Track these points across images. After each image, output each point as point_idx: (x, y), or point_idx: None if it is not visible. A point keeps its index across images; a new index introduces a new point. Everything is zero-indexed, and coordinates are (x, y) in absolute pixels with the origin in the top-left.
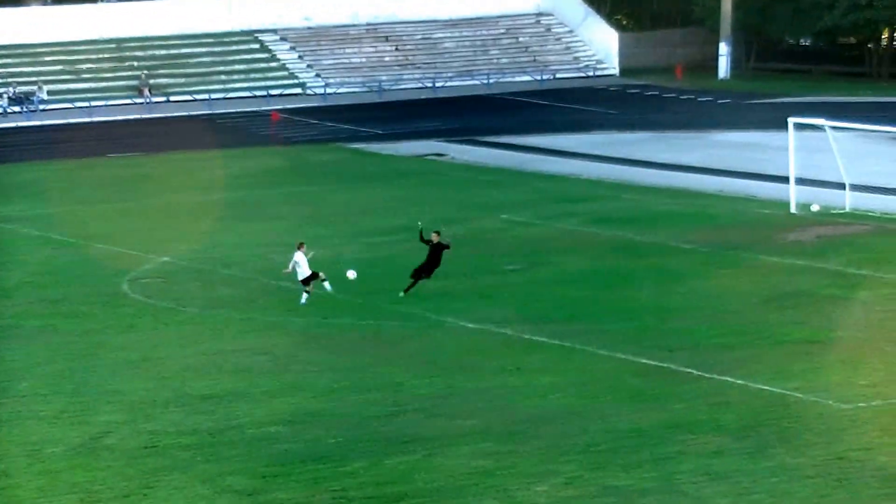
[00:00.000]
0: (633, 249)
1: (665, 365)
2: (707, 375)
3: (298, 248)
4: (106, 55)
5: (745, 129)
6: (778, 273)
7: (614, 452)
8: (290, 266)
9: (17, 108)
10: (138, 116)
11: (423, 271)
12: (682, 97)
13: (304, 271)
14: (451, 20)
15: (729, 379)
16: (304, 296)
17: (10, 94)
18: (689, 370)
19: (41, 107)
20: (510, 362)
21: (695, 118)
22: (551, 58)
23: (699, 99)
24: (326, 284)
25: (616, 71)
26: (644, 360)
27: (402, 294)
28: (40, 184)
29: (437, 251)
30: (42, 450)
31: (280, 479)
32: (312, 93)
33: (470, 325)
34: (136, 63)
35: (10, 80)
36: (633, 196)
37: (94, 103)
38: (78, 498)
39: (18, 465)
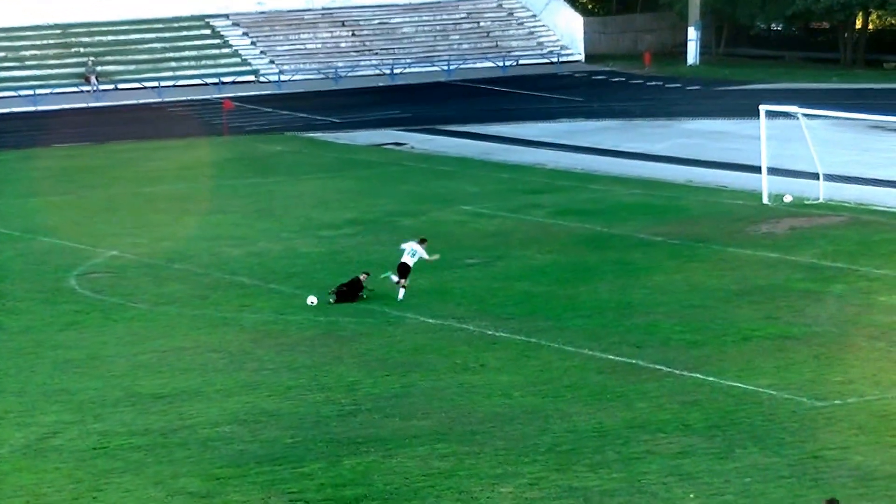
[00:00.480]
0: (598, 242)
1: (630, 361)
2: (675, 372)
3: (421, 243)
4: (51, 41)
5: (715, 116)
6: (749, 266)
7: (579, 453)
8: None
9: None
10: (85, 105)
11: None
12: (649, 84)
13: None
14: (409, 4)
15: (697, 376)
16: (402, 291)
17: None
18: (656, 367)
19: None
20: (470, 360)
21: (663, 106)
22: (514, 43)
23: (667, 86)
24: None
25: (581, 57)
26: (608, 357)
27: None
28: None
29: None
30: None
31: (235, 481)
32: (266, 80)
33: (429, 321)
34: (82, 49)
35: None
36: (599, 187)
37: (38, 91)
38: (24, 501)
39: None
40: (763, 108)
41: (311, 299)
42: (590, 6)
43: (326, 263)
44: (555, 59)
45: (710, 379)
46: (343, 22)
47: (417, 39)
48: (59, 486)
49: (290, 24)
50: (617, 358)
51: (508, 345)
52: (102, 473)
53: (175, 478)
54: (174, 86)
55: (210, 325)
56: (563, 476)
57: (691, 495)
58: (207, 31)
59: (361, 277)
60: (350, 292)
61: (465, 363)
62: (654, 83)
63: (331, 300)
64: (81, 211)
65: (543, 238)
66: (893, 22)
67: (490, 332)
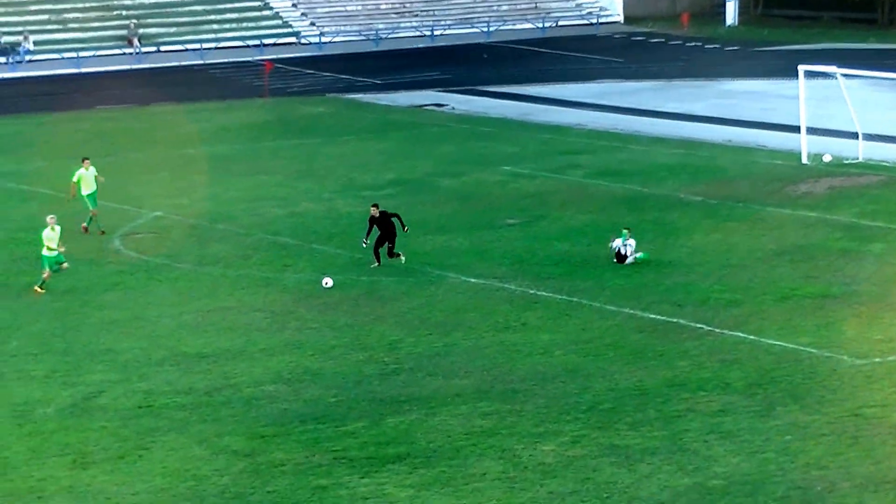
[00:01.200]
0: (637, 202)
1: (670, 320)
2: (714, 331)
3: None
4: (93, 4)
5: (753, 77)
6: (788, 226)
7: (620, 411)
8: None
9: (2, 60)
10: (127, 67)
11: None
12: (688, 45)
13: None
14: None
15: (737, 334)
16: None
17: None
18: (696, 325)
19: (27, 58)
20: (511, 319)
21: (701, 67)
22: (553, 5)
23: (706, 47)
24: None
25: (620, 18)
26: (648, 316)
27: (375, 265)
28: (26, 137)
29: (385, 222)
30: (32, 411)
31: (279, 440)
32: (307, 42)
33: (470, 281)
34: (124, 12)
35: None
36: (638, 147)
37: (81, 54)
38: (70, 459)
39: (7, 426)
40: (801, 68)
41: (327, 281)
42: None
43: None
44: (594, 21)
45: (750, 338)
46: None
47: (457, 1)
48: (104, 445)
49: None
50: (657, 317)
51: (549, 304)
52: (147, 432)
53: (219, 436)
54: (215, 48)
55: (253, 285)
56: (605, 434)
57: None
58: None
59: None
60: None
61: (505, 322)
62: (692, 44)
63: (366, 243)
64: (125, 173)
65: (582, 198)
66: None
67: (531, 292)
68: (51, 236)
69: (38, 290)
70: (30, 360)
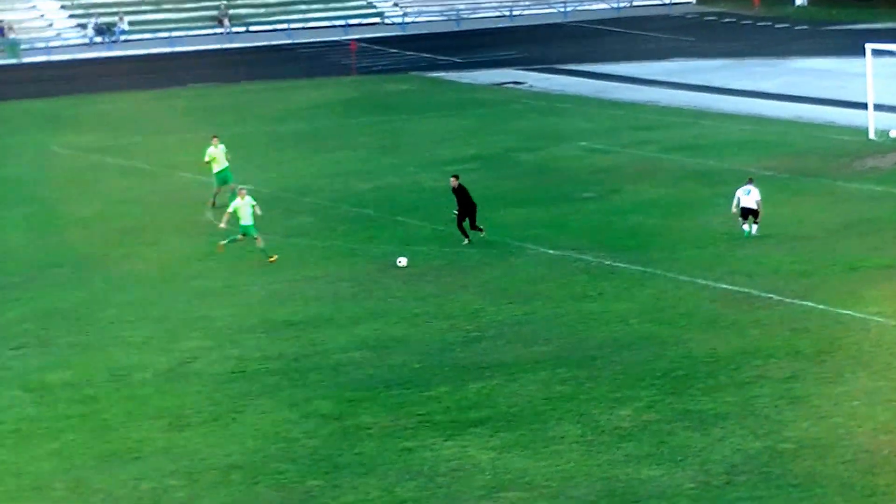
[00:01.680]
0: (709, 176)
1: (742, 290)
2: (785, 300)
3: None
4: None
5: (821, 55)
6: (856, 199)
7: (693, 377)
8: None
9: (99, 40)
10: (218, 46)
11: (464, 216)
12: (758, 24)
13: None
14: None
15: (807, 304)
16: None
17: (94, 26)
18: (767, 295)
19: (122, 38)
20: (588, 288)
21: (771, 45)
22: None
23: (775, 26)
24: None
25: None
26: (721, 286)
27: (466, 242)
28: (123, 114)
29: (463, 195)
30: (130, 375)
31: (366, 404)
32: (391, 22)
33: (549, 252)
34: None
35: (92, 11)
36: (709, 123)
37: (174, 34)
38: (166, 422)
39: (106, 390)
40: (869, 46)
41: (401, 260)
42: None
43: (449, 196)
44: (667, 1)
45: (819, 307)
46: None
47: None
48: (199, 408)
49: None
50: (729, 287)
51: (624, 274)
52: (240, 396)
53: (308, 400)
54: (303, 28)
55: (339, 256)
56: (679, 399)
57: None
58: None
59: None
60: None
61: (583, 292)
62: (762, 24)
63: (455, 211)
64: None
65: (656, 172)
66: None
67: (607, 263)
68: (240, 205)
69: (270, 259)
70: (128, 327)
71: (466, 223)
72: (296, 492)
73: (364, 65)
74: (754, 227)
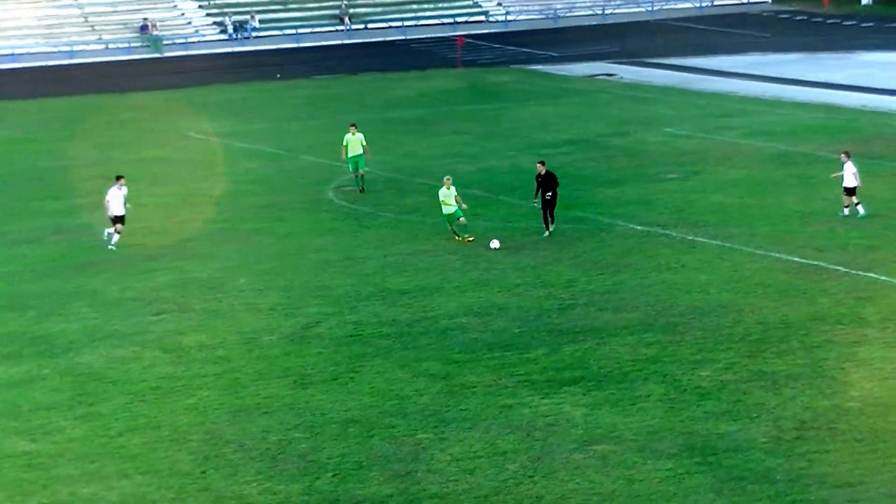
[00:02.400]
0: (783, 159)
1: (812, 263)
2: (851, 272)
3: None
4: None
5: (887, 49)
6: None
7: (767, 342)
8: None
9: (229, 36)
10: (339, 42)
11: (548, 206)
12: (828, 21)
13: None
14: None
15: (872, 275)
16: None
17: (231, 23)
18: (835, 267)
19: (253, 34)
20: (672, 261)
21: (840, 41)
22: None
23: (844, 23)
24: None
25: None
26: (793, 259)
27: (547, 234)
28: (252, 102)
29: (548, 181)
30: (259, 338)
31: (470, 365)
32: (494, 20)
33: (636, 228)
34: None
35: (226, 10)
36: (784, 111)
37: (300, 31)
38: (291, 381)
39: (238, 351)
40: None
41: (495, 243)
42: None
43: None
44: (745, 0)
45: (883, 278)
46: None
47: None
48: (320, 368)
49: None
50: (801, 260)
51: (705, 248)
52: (357, 357)
53: (419, 361)
54: (415, 25)
55: (447, 231)
56: (754, 362)
57: None
58: None
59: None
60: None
61: (667, 264)
62: (832, 21)
63: (535, 202)
64: (335, 132)
65: (735, 156)
66: None
67: (689, 238)
68: (447, 194)
69: (467, 238)
70: (257, 294)
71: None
72: (407, 444)
73: (469, 58)
74: (859, 207)
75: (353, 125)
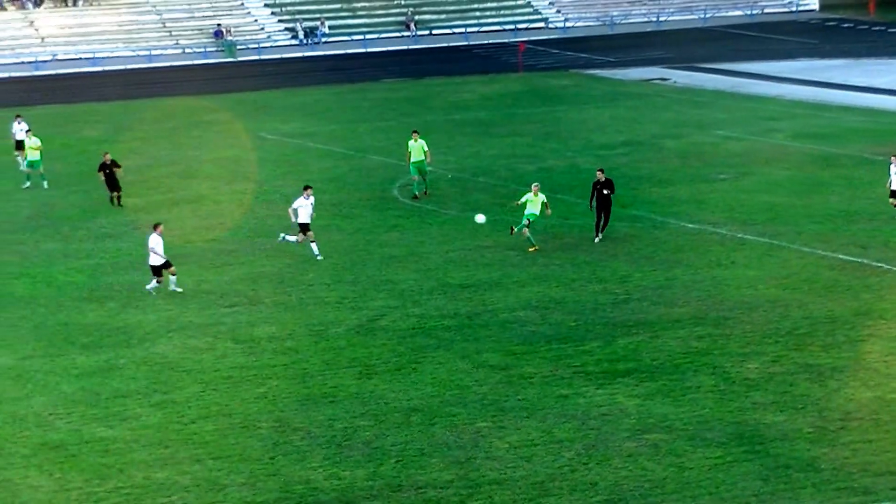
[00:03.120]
0: (829, 161)
1: (857, 260)
2: (894, 269)
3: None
4: None
5: None
6: None
7: (813, 335)
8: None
9: (297, 41)
10: (405, 47)
11: (602, 211)
12: (873, 28)
13: None
14: None
15: None
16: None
17: (302, 28)
18: (878, 265)
19: (323, 40)
20: (722, 257)
21: (885, 47)
22: None
23: (889, 30)
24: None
25: (816, 6)
26: (838, 256)
27: (597, 240)
28: (323, 104)
29: (605, 188)
30: (326, 330)
31: (528, 356)
32: (553, 26)
33: (688, 226)
34: (403, 1)
35: (297, 16)
36: (830, 115)
37: (367, 36)
38: (357, 370)
39: (306, 342)
40: None
41: (480, 217)
42: None
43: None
44: (794, 8)
45: None
46: None
47: None
48: (385, 359)
49: None
50: (845, 257)
51: (754, 245)
52: (420, 349)
53: (479, 353)
54: (478, 31)
55: (506, 228)
56: (800, 355)
57: None
58: None
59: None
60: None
61: (717, 260)
62: (877, 28)
63: (592, 206)
64: (402, 134)
65: (783, 157)
66: None
67: (738, 235)
68: (534, 200)
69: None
70: (324, 288)
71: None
72: (467, 432)
73: (529, 63)
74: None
75: (415, 132)
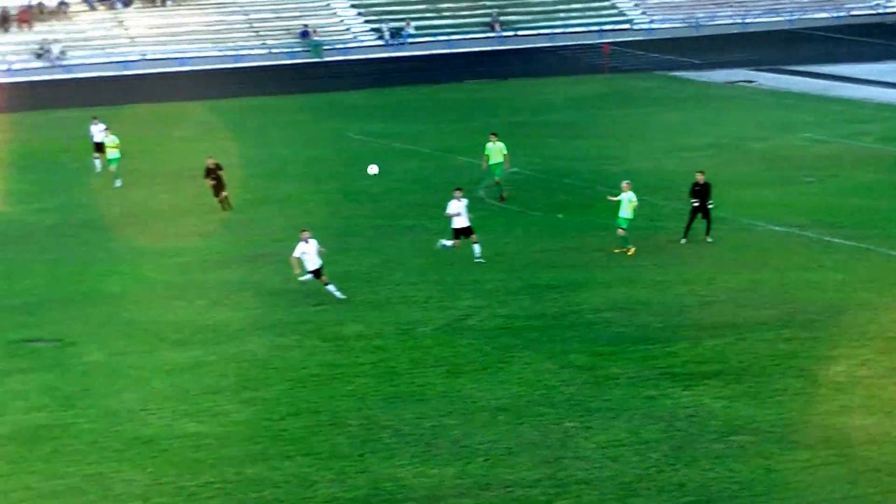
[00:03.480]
0: None
1: None
2: None
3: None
4: None
5: None
6: None
7: None
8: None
9: (382, 42)
10: (490, 48)
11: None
12: None
13: None
14: None
15: None
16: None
17: (388, 29)
18: None
19: (409, 40)
20: (809, 261)
21: None
22: None
23: None
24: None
25: None
26: None
27: (683, 241)
28: (408, 105)
29: (704, 192)
30: (414, 329)
31: (614, 357)
32: (638, 28)
33: (775, 229)
34: (488, 2)
35: (383, 17)
36: None
37: (453, 37)
38: (445, 369)
39: (393, 341)
40: None
41: (372, 168)
42: None
43: (688, 178)
44: (880, 10)
45: None
46: None
47: None
48: (472, 358)
49: None
50: None
51: (841, 249)
52: (506, 348)
53: (565, 353)
54: (563, 32)
55: (592, 229)
56: (888, 358)
57: None
58: None
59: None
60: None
61: (805, 263)
62: None
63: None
64: (487, 135)
65: (871, 160)
66: None
67: (826, 238)
68: (629, 199)
69: (627, 250)
70: (411, 288)
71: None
72: (554, 432)
73: (615, 65)
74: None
75: (493, 134)
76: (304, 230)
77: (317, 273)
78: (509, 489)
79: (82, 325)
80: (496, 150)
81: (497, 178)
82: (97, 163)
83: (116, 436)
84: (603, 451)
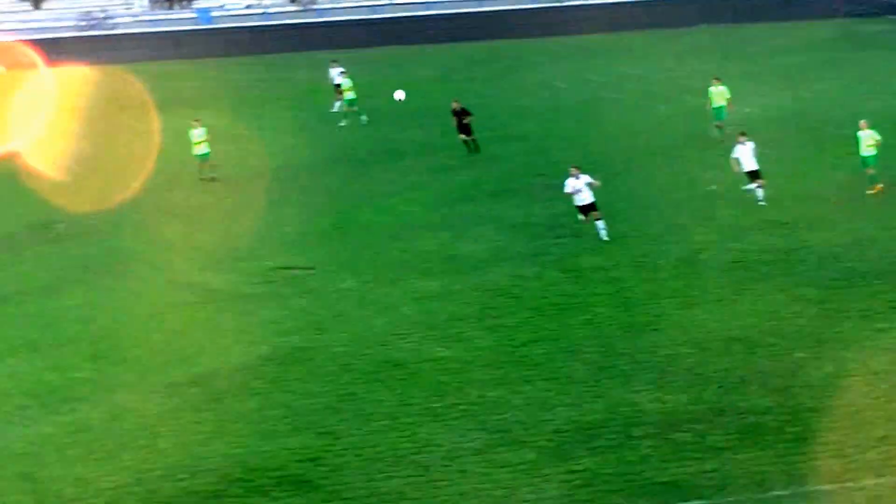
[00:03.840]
0: None
1: None
2: None
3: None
4: None
5: None
6: None
7: None
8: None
9: None
10: None
11: None
12: None
13: None
14: None
15: None
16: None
17: None
18: None
19: None
20: None
21: None
22: None
23: None
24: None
25: None
26: None
27: None
28: (642, 48)
29: None
30: (649, 261)
31: (843, 291)
32: None
33: None
34: None
35: None
36: None
37: None
38: (679, 301)
39: (630, 273)
40: None
41: (399, 94)
42: None
43: None
44: None
45: None
46: None
47: None
48: (706, 290)
49: None
50: None
51: None
52: (739, 281)
53: (796, 286)
54: None
55: (824, 169)
56: None
57: None
58: None
59: None
60: None
61: None
62: None
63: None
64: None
65: None
66: None
67: None
68: (862, 135)
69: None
70: (646, 223)
71: None
72: (785, 361)
73: (849, 8)
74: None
75: (716, 78)
76: (573, 166)
77: (587, 208)
78: (742, 416)
79: (335, 255)
80: (718, 94)
81: (719, 122)
82: (337, 104)
83: (368, 359)
84: (832, 380)
